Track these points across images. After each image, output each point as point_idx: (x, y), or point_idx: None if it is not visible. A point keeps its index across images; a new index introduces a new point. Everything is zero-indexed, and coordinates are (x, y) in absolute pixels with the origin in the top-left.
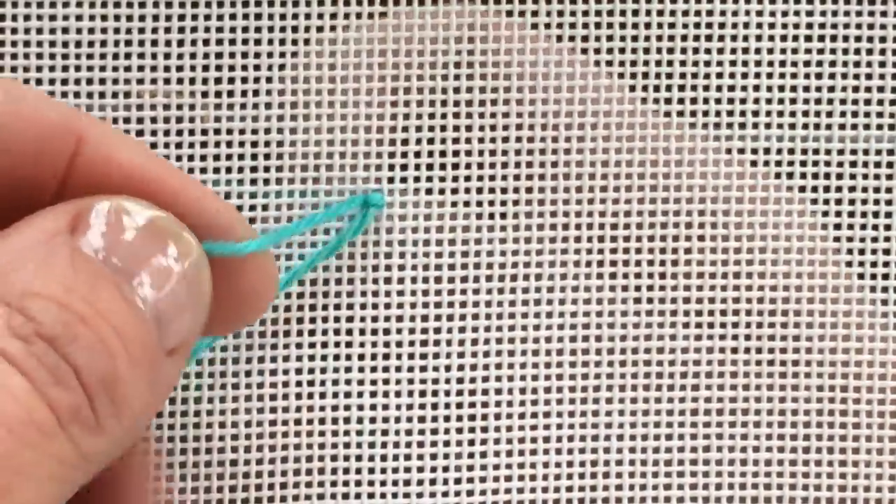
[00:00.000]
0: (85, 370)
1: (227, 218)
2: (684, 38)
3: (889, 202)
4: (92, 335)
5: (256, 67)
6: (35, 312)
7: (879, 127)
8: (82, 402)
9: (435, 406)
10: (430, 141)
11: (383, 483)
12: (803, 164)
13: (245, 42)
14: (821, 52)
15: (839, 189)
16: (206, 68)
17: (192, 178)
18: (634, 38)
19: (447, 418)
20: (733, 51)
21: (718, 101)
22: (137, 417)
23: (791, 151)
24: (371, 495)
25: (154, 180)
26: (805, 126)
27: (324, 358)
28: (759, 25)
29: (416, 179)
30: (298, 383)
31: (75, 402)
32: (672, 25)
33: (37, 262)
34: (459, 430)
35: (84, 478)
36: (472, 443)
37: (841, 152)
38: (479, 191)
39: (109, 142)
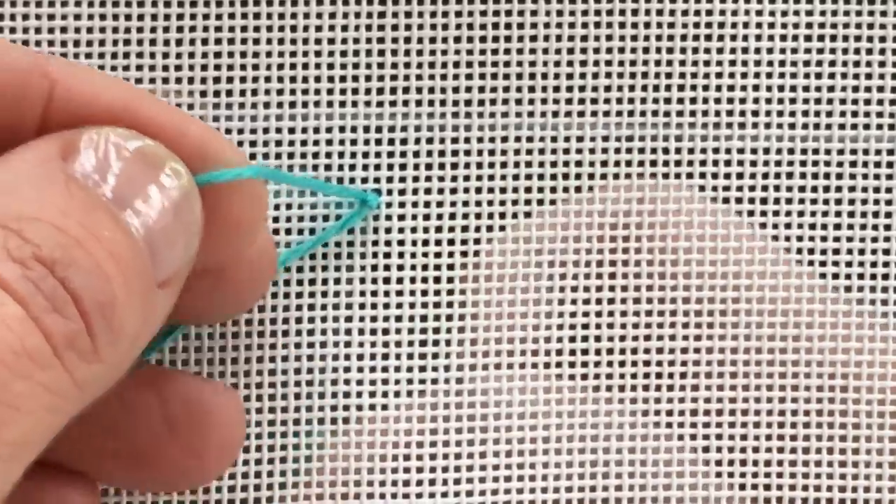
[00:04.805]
0: (84, 295)
1: (213, 144)
2: (684, 37)
3: (889, 202)
4: (90, 259)
5: (255, 67)
6: (32, 235)
7: (879, 127)
8: (80, 330)
9: (435, 406)
10: (429, 141)
11: (383, 483)
12: (803, 164)
13: (244, 41)
14: (821, 51)
15: (839, 189)
16: (205, 67)
17: (173, 106)
18: (634, 38)
19: (447, 418)
20: (733, 51)
21: (718, 101)
22: (130, 346)
23: (791, 151)
24: (371, 495)
25: (133, 111)
26: (805, 126)
27: (323, 358)
28: (759, 25)
29: (416, 179)
30: (298, 383)
31: (72, 329)
32: (671, 25)
33: (32, 185)
34: (459, 430)
35: (77, 407)
36: (471, 443)
37: (841, 152)
38: (478, 191)
39: (83, 79)
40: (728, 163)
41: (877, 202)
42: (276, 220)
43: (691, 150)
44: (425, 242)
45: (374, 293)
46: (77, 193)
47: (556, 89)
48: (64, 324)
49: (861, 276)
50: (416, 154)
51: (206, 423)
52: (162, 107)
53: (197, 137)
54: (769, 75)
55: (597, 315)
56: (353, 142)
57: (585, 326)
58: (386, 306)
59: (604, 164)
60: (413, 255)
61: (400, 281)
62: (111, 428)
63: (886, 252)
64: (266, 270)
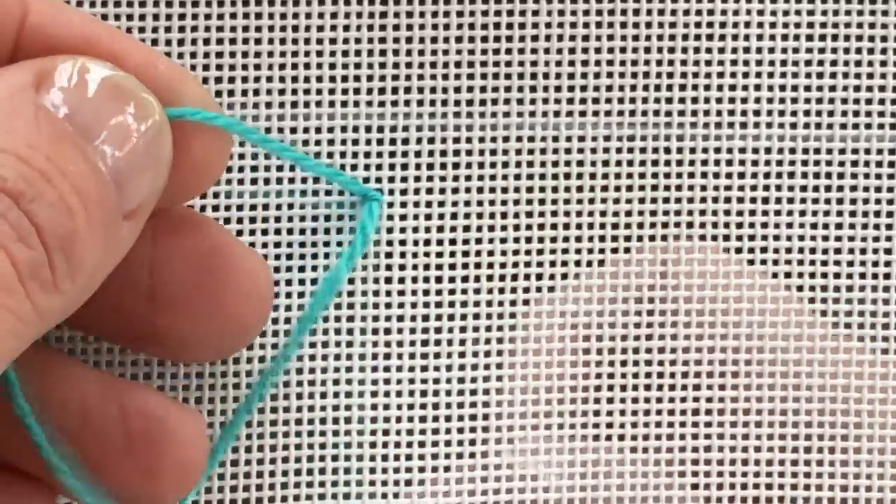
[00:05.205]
0: (46, 228)
1: (181, 80)
2: (685, 37)
3: (890, 202)
4: (54, 193)
5: (257, 67)
6: None
7: (880, 126)
8: (42, 261)
9: (436, 406)
10: (431, 141)
11: (384, 483)
12: (804, 163)
13: (245, 42)
14: (822, 51)
15: (839, 189)
16: (206, 68)
17: (141, 43)
18: (635, 38)
19: (448, 418)
20: (734, 50)
21: (720, 101)
22: (90, 278)
23: (791, 151)
24: (371, 495)
25: (106, 43)
26: (806, 126)
27: (324, 358)
28: (760, 25)
29: (417, 179)
30: (299, 383)
31: (35, 259)
32: (672, 25)
33: (0, 117)
34: (460, 430)
35: (36, 336)
36: (472, 443)
37: (842, 152)
38: (480, 190)
39: (56, 8)
40: (729, 162)
41: (878, 202)
42: (277, 220)
43: (693, 150)
44: (427, 242)
45: (375, 293)
46: (45, 125)
47: (558, 90)
48: (28, 253)
49: (862, 276)
50: (419, 154)
51: (163, 441)
52: (132, 41)
53: (165, 72)
54: (770, 75)
55: (598, 315)
56: (356, 142)
57: (586, 326)
58: (388, 306)
59: (605, 164)
60: (415, 255)
61: (402, 280)
62: (70, 434)
63: (887, 252)
64: (216, 163)
